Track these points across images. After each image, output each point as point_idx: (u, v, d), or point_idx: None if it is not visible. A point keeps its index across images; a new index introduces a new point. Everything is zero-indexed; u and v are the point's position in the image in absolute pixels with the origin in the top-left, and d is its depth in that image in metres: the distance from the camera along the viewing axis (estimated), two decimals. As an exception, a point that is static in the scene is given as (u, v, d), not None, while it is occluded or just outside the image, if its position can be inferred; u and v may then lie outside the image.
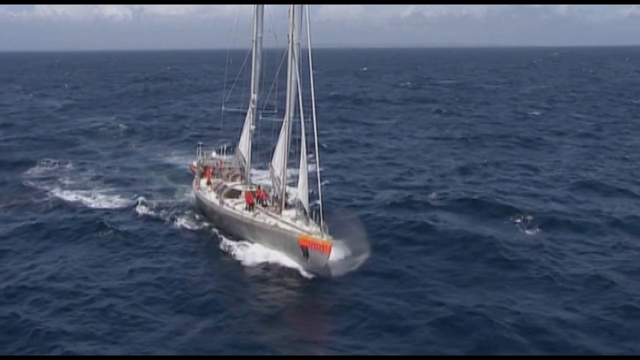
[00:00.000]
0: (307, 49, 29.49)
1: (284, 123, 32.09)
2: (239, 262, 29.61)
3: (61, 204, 40.05)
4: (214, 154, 41.74)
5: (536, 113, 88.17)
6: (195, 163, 40.71)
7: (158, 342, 22.08)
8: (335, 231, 28.36)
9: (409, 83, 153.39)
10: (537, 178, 46.91)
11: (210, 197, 35.18)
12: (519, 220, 35.45)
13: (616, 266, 29.03)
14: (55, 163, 53.41)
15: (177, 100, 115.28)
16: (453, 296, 25.77)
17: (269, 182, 34.43)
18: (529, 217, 35.56)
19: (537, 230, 34.28)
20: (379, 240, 31.93)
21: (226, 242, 31.56)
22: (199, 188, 37.41)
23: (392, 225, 34.25)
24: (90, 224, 35.04)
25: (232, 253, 30.54)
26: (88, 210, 38.70)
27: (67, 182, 46.61)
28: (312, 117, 28.02)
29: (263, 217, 30.56)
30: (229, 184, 36.29)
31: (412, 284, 27.21)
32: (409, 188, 42.99)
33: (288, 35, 30.39)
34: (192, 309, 24.76)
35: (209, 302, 25.25)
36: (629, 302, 24.80)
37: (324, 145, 56.31)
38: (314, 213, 28.71)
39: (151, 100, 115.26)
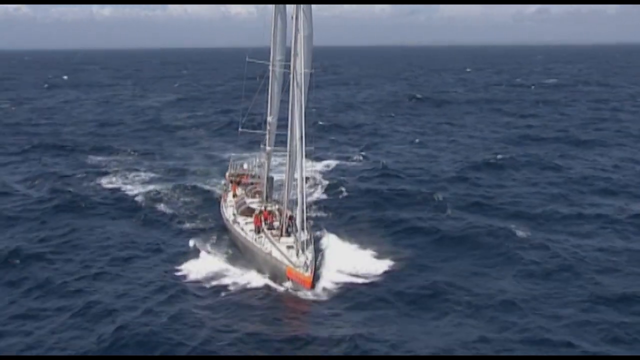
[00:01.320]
0: (303, 72, 30.11)
1: (288, 147, 32.17)
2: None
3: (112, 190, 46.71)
4: (245, 166, 42.21)
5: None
6: (227, 174, 41.76)
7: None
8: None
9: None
10: None
11: (228, 212, 36.05)
12: None
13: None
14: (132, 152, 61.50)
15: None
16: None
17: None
18: None
19: None
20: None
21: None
22: (224, 200, 38.31)
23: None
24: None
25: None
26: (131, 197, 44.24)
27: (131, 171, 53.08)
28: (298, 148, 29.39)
29: (262, 242, 30.79)
30: (248, 201, 36.93)
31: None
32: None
33: (290, 66, 31.14)
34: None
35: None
36: None
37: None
38: (306, 241, 29.28)
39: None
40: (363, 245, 32.51)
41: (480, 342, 23.43)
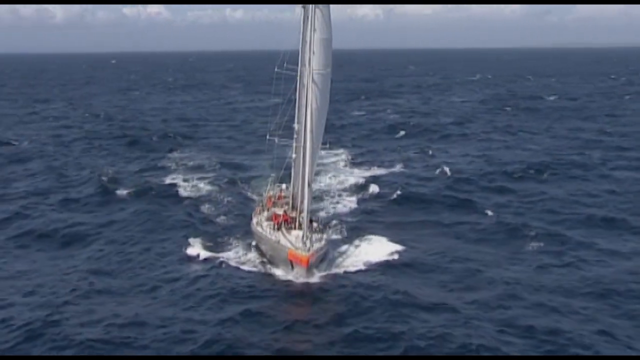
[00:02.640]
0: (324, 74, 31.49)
1: (299, 148, 33.33)
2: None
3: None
4: (283, 186, 41.38)
5: None
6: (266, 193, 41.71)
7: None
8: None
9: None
10: None
11: (256, 219, 36.75)
12: None
13: None
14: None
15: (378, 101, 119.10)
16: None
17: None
18: None
19: None
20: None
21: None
22: (257, 212, 38.15)
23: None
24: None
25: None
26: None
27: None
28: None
29: (274, 234, 33.02)
30: (276, 209, 37.48)
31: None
32: None
33: (304, 64, 31.86)
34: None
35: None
36: None
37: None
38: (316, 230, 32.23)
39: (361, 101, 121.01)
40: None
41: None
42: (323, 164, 57.27)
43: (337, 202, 45.43)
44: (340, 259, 33.60)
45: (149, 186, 49.95)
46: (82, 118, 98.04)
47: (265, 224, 35.15)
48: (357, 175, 53.36)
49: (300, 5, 32.24)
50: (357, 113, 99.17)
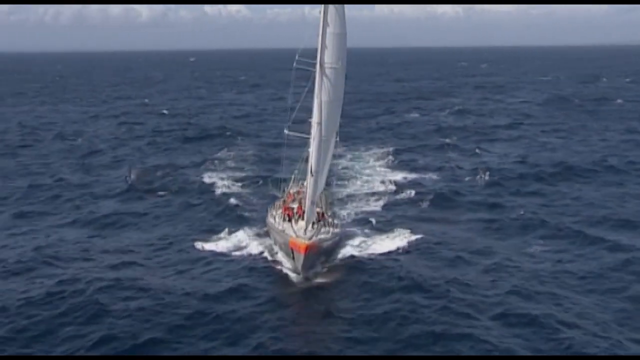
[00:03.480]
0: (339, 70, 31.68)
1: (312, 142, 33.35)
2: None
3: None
4: (305, 183, 41.30)
5: None
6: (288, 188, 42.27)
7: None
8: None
9: None
10: None
11: (269, 213, 37.39)
12: None
13: None
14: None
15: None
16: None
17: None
18: None
19: None
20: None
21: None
22: (274, 206, 38.93)
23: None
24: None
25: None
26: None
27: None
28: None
29: (282, 224, 33.51)
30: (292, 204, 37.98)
31: None
32: None
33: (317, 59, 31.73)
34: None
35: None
36: None
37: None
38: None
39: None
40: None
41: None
42: (361, 164, 58.23)
43: (368, 199, 45.93)
44: (356, 250, 34.34)
45: (191, 180, 52.40)
46: (150, 115, 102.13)
47: (278, 216, 35.65)
48: (394, 175, 53.58)
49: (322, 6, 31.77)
50: (412, 115, 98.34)
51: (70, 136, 78.62)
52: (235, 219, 41.50)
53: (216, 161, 61.34)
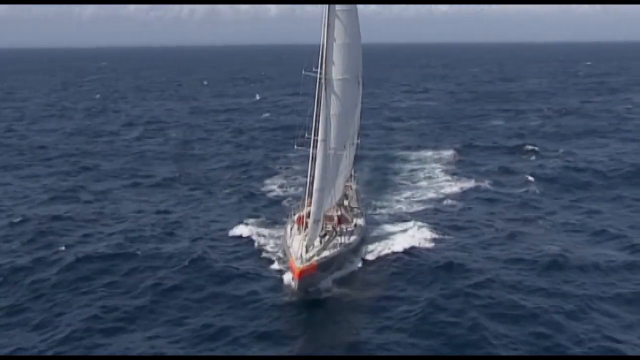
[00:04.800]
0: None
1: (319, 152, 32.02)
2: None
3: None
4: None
5: None
6: None
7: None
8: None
9: None
10: None
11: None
12: None
13: None
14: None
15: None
16: None
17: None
18: None
19: None
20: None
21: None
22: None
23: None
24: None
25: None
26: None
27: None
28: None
29: (293, 237, 32.74)
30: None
31: None
32: None
33: (319, 70, 30.65)
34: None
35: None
36: None
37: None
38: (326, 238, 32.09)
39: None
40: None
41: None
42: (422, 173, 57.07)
43: (413, 203, 46.22)
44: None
45: (251, 175, 56.32)
46: (261, 109, 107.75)
47: (293, 226, 34.57)
48: (450, 185, 52.14)
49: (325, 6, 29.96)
50: (497, 119, 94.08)
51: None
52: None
53: (289, 157, 62.06)
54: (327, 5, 29.51)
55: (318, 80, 30.27)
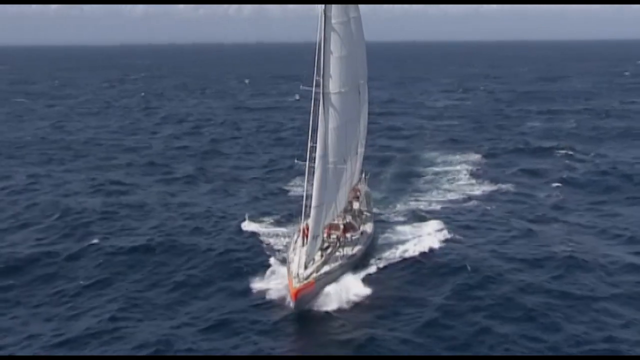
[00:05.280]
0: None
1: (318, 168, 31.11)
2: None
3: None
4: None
5: None
6: None
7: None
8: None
9: None
10: None
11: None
12: None
13: None
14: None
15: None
16: None
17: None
18: None
19: None
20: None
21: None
22: None
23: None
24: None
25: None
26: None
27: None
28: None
29: (293, 250, 32.27)
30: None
31: None
32: None
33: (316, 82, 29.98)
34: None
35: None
36: None
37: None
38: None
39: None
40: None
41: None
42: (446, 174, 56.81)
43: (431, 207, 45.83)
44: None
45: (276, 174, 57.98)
46: (300, 109, 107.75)
47: (297, 238, 33.94)
48: (474, 186, 52.35)
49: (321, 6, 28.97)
50: (534, 120, 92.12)
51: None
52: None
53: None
54: (322, 18, 28.87)
55: (313, 95, 29.52)
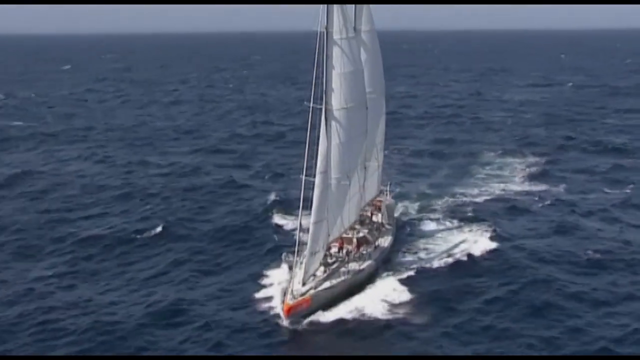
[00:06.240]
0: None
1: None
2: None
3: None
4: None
5: None
6: None
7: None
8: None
9: None
10: None
11: None
12: None
13: None
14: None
15: None
16: None
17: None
18: None
19: None
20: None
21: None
22: None
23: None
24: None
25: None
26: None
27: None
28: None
29: (296, 264, 31.12)
30: None
31: None
32: None
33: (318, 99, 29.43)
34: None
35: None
36: None
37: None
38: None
39: None
40: None
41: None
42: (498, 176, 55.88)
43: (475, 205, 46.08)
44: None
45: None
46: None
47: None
48: (527, 186, 52.02)
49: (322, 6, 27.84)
50: (613, 117, 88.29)
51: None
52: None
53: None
54: (324, 34, 28.06)
55: (311, 110, 28.58)
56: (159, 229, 40.92)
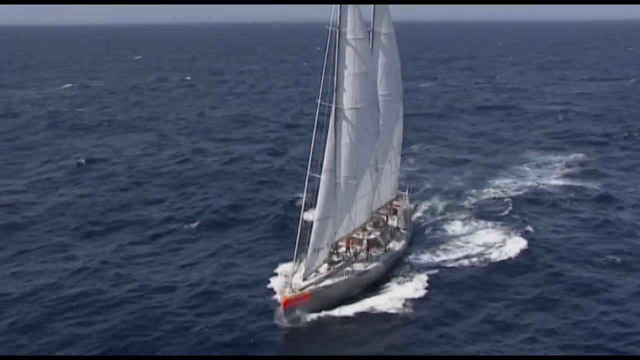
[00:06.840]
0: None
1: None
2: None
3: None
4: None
5: None
6: None
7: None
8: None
9: None
10: None
11: None
12: None
13: None
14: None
15: None
16: None
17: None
18: None
19: None
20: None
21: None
22: None
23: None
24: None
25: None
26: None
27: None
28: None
29: (302, 260, 30.95)
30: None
31: None
32: None
33: (326, 99, 29.36)
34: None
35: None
36: None
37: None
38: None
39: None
40: None
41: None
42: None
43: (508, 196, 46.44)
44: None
45: None
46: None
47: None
48: (563, 183, 51.90)
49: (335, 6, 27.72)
50: None
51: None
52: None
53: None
54: (336, 32, 28.02)
55: (318, 109, 28.56)
56: (205, 216, 43.32)
